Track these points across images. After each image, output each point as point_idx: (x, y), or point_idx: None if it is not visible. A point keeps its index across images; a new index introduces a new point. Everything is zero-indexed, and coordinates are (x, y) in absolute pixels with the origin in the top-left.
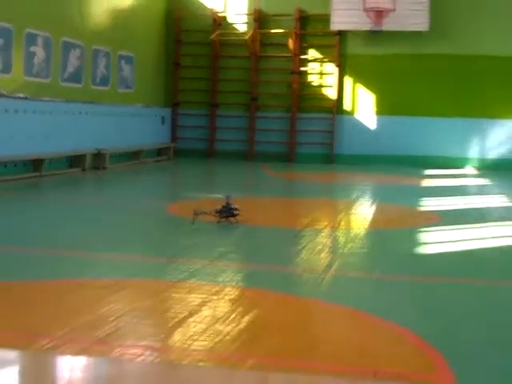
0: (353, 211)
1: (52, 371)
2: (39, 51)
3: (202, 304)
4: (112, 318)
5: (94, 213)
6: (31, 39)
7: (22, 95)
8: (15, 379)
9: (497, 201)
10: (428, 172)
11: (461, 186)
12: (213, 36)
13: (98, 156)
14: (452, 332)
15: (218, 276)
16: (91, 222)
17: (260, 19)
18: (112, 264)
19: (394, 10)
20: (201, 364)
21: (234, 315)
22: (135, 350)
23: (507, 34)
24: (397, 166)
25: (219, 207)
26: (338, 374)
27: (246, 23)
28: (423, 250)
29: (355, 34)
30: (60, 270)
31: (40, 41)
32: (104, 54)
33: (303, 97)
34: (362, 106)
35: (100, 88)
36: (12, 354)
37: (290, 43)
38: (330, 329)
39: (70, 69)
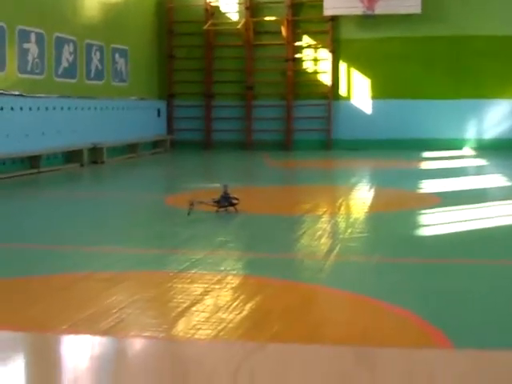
0: (352, 196)
1: (54, 351)
2: (32, 48)
3: (205, 293)
4: (115, 310)
5: (92, 207)
6: (24, 36)
7: (16, 92)
8: (19, 360)
9: (495, 181)
10: (426, 154)
11: (459, 167)
12: (206, 26)
13: (95, 150)
14: (454, 312)
15: (219, 265)
16: (90, 216)
17: (252, 7)
18: (112, 257)
19: None
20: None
21: (236, 303)
22: None
23: (501, 13)
24: (394, 149)
25: (217, 197)
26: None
27: (239, 12)
28: (423, 232)
29: (348, 18)
30: (60, 264)
31: (33, 37)
32: (97, 47)
33: (298, 84)
34: (358, 90)
35: (94, 82)
36: (14, 336)
37: (283, 30)
38: (332, 313)
39: (64, 64)
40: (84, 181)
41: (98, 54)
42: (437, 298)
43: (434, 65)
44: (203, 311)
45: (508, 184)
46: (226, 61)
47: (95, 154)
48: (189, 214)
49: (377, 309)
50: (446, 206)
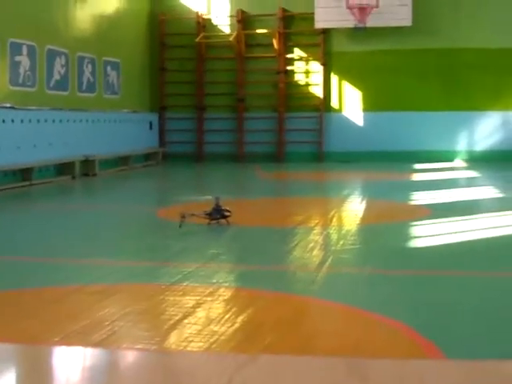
0: (344, 208)
1: (47, 363)
2: (24, 60)
3: (197, 306)
4: (107, 323)
5: (84, 219)
6: (16, 48)
7: (8, 105)
8: (11, 372)
9: (486, 192)
10: (417, 166)
11: (450, 179)
12: (198, 38)
13: (87, 163)
14: (445, 323)
15: (211, 278)
16: (82, 228)
17: (244, 20)
18: (104, 269)
19: (377, 6)
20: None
21: (228, 315)
22: None
23: (491, 26)
24: (386, 161)
25: (209, 209)
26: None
27: (230, 24)
28: (415, 244)
29: (339, 31)
30: (52, 277)
31: (24, 50)
32: (89, 60)
33: (290, 96)
34: (349, 103)
35: (86, 95)
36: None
37: (275, 43)
38: (324, 325)
39: (56, 77)
40: (76, 193)
41: (89, 66)
42: (428, 309)
43: (426, 77)
44: (195, 324)
45: (499, 196)
46: (217, 73)
47: (87, 167)
48: (180, 226)
49: (369, 320)
50: (436, 217)
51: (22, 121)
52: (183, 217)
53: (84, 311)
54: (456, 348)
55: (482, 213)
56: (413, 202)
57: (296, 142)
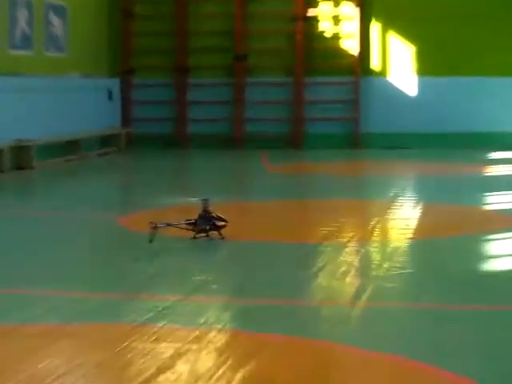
0: (390, 216)
1: None
2: None
3: (177, 356)
4: (51, 378)
5: (16, 232)
6: None
7: None
8: None
9: None
10: (494, 155)
11: None
12: None
13: (21, 151)
14: None
15: (197, 316)
16: (13, 245)
17: None
18: (47, 303)
19: None
20: None
21: (221, 370)
22: None
23: None
24: (450, 148)
25: (194, 217)
26: None
27: None
28: (493, 266)
29: None
30: None
31: None
32: (24, 3)
33: (312, 53)
34: (397, 63)
35: (20, 52)
36: None
37: None
38: None
39: None
40: (5, 195)
41: (24, 12)
42: (510, 359)
43: (507, 27)
44: (175, 381)
45: None
46: (206, 20)
47: (21, 156)
48: (151, 241)
49: (423, 376)
50: None
51: None
52: (155, 227)
53: (21, 361)
54: None
55: None
56: (489, 207)
57: (320, 120)
